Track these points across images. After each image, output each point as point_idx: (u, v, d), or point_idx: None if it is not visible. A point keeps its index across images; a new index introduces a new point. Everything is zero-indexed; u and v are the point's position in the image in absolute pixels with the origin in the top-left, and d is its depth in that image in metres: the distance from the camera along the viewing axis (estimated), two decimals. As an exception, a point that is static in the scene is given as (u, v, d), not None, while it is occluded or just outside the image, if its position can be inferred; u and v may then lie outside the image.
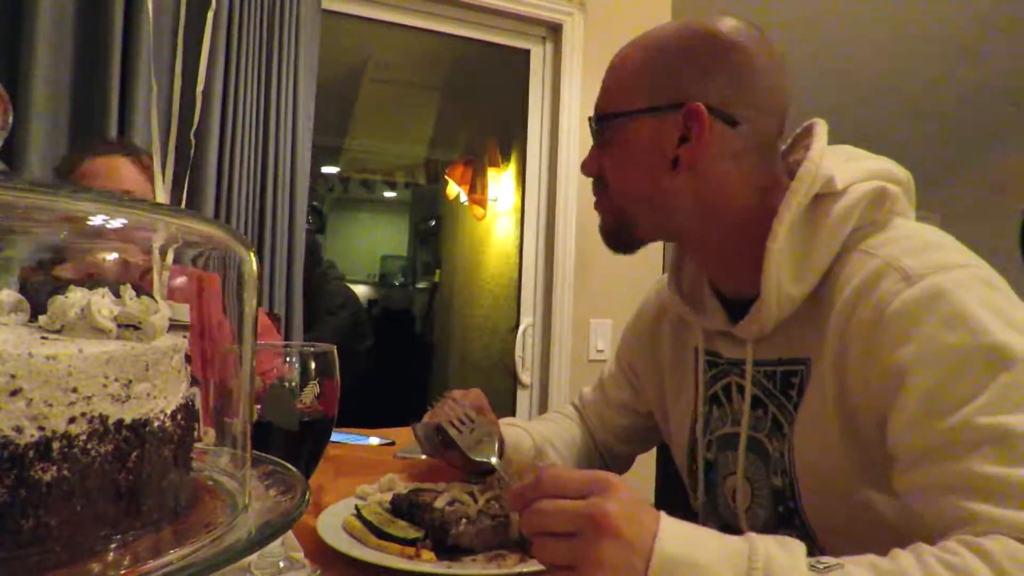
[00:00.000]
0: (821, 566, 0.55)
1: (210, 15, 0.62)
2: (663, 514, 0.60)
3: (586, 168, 0.87)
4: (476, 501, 0.73)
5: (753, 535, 0.58)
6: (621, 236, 0.86)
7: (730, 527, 0.87)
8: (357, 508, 0.75)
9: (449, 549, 0.68)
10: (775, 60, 0.80)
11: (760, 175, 0.79)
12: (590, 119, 0.85)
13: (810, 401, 0.75)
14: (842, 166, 0.77)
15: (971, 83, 3.49)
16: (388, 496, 0.82)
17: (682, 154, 0.78)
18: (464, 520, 0.68)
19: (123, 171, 1.36)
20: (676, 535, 0.58)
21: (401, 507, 0.75)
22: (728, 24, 0.78)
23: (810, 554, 0.58)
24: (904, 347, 0.65)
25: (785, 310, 0.76)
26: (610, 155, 0.83)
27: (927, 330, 0.64)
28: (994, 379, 0.60)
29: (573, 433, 1.13)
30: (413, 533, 0.69)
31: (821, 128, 0.81)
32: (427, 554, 0.67)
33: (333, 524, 0.73)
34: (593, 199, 0.88)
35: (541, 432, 1.08)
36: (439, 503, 0.71)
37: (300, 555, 0.63)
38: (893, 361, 0.65)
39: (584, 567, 0.57)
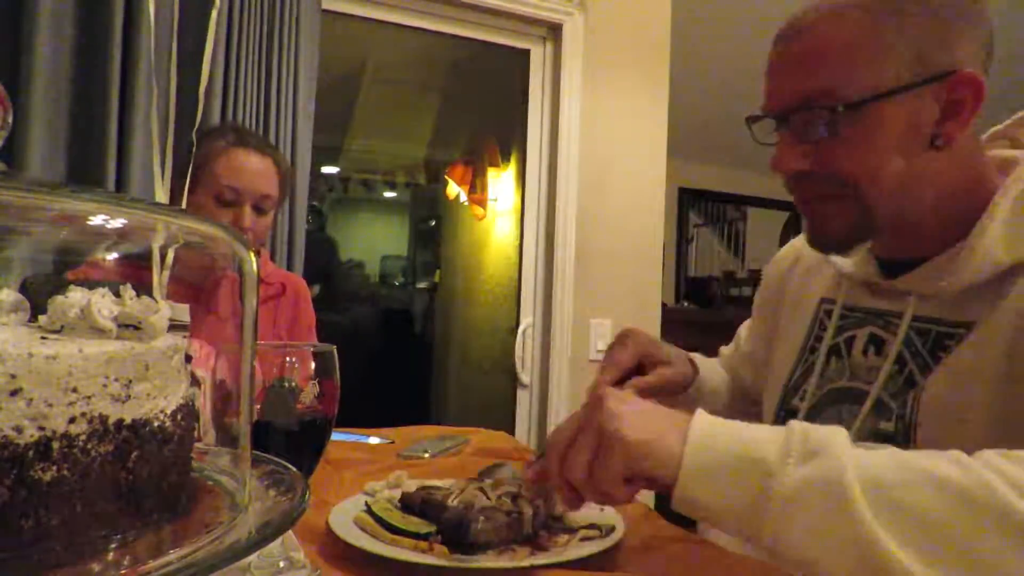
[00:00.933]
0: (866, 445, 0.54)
1: (214, 14, 0.62)
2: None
3: (792, 165, 0.72)
4: (488, 497, 0.74)
5: (793, 421, 0.56)
6: (861, 235, 0.74)
7: None
8: (367, 504, 0.76)
9: (462, 545, 0.68)
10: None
11: (974, 144, 0.71)
12: (809, 104, 0.69)
13: (959, 358, 0.68)
14: None
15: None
16: (397, 493, 0.82)
17: (945, 131, 0.67)
18: (481, 517, 0.69)
19: (270, 175, 1.36)
20: (707, 419, 0.58)
21: (413, 505, 0.75)
22: None
23: None
24: None
25: (985, 273, 0.67)
26: (853, 148, 0.68)
27: None
28: None
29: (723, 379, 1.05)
30: (425, 528, 0.70)
31: None
32: (440, 548, 0.67)
33: (345, 520, 0.73)
34: (799, 197, 0.75)
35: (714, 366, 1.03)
36: (453, 500, 0.72)
37: (300, 555, 0.63)
38: None
39: (606, 432, 0.57)
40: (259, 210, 1.35)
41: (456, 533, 0.68)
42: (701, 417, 0.57)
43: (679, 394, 0.91)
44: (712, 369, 1.00)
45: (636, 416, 0.58)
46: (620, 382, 0.83)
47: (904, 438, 0.70)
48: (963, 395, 0.67)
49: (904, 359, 0.73)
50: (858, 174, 0.69)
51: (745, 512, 0.53)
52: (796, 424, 0.55)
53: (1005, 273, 0.67)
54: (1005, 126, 0.80)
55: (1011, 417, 0.64)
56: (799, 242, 0.96)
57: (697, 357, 0.97)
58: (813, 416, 0.81)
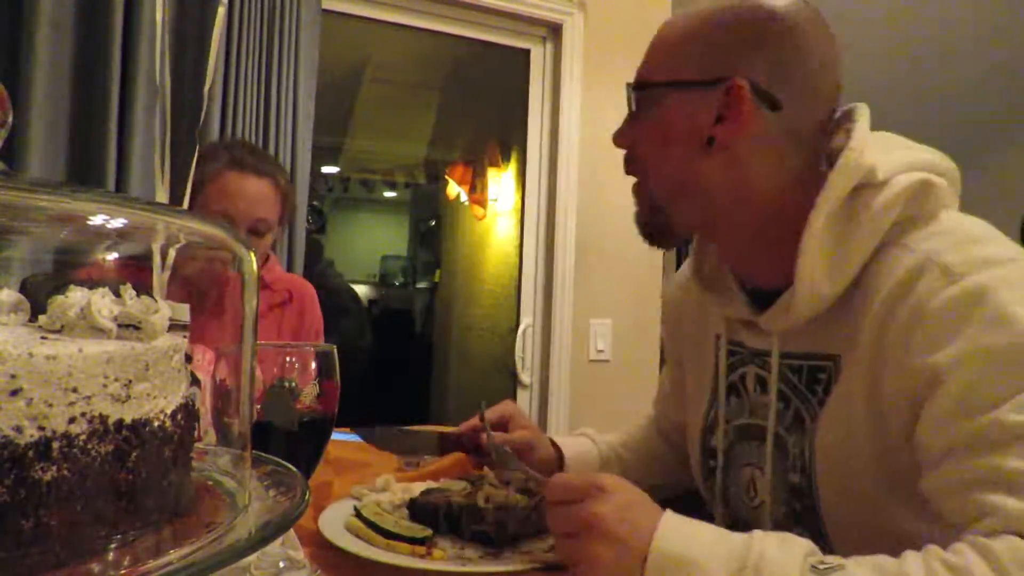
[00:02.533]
0: (822, 566, 0.55)
1: (221, 11, 0.62)
2: (668, 512, 0.61)
3: (619, 139, 0.83)
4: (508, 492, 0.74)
5: (758, 533, 0.59)
6: (657, 226, 0.82)
7: (742, 521, 0.85)
8: (356, 509, 0.75)
9: (497, 542, 0.69)
10: (831, 44, 0.76)
11: (798, 164, 0.75)
12: (628, 85, 0.80)
13: (837, 400, 0.73)
14: (884, 156, 0.72)
15: (972, 84, 3.49)
16: (384, 496, 0.82)
17: (718, 133, 0.73)
18: (518, 515, 0.70)
19: (266, 197, 1.33)
20: (675, 531, 0.59)
21: (427, 510, 0.74)
22: (784, 1, 0.74)
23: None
24: (942, 349, 0.62)
25: (817, 308, 0.72)
26: (644, 127, 0.79)
27: (968, 332, 0.61)
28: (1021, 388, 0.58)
29: (645, 438, 1.10)
30: (421, 532, 0.69)
31: (863, 112, 0.76)
32: (439, 552, 0.67)
33: (335, 526, 0.72)
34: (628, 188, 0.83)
35: (608, 442, 1.08)
36: (482, 502, 0.71)
37: (300, 555, 0.63)
38: (930, 363, 0.62)
39: (582, 567, 0.61)
40: (255, 232, 1.32)
41: (499, 533, 0.69)
42: (659, 539, 0.59)
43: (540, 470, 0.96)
44: (586, 451, 1.05)
45: (612, 527, 0.60)
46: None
47: (809, 491, 0.75)
48: (848, 441, 0.71)
49: (787, 396, 0.78)
50: (646, 156, 0.79)
51: None
52: (754, 542, 0.57)
53: (843, 297, 0.71)
54: (840, 115, 0.80)
55: (886, 458, 0.68)
56: (674, 285, 1.04)
57: (585, 434, 1.07)
58: (729, 454, 0.87)
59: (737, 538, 0.59)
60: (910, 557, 0.56)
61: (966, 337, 0.61)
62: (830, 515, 0.74)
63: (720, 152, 0.74)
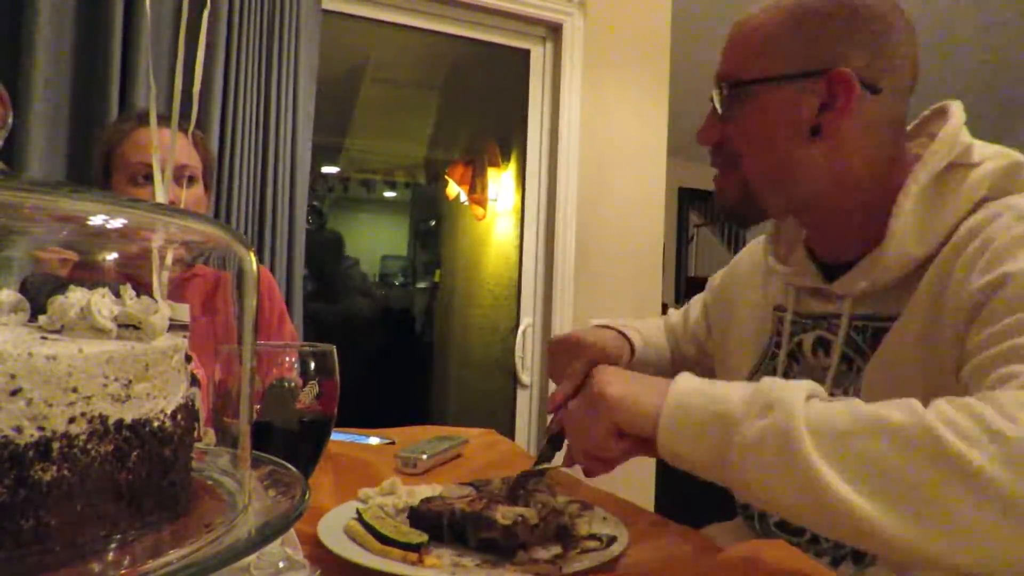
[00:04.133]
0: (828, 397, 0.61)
1: (205, 14, 0.62)
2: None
3: (706, 137, 0.83)
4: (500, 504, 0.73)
5: (769, 378, 0.63)
6: (749, 211, 0.84)
7: None
8: (359, 512, 0.75)
9: (506, 550, 0.68)
10: (911, 29, 0.78)
11: (891, 147, 0.78)
12: (720, 85, 0.80)
13: (888, 344, 0.75)
14: (979, 143, 0.76)
15: (972, 84, 3.49)
16: (389, 500, 0.81)
17: (824, 122, 0.76)
18: (527, 528, 0.69)
19: (183, 144, 1.30)
20: (692, 378, 0.66)
21: (429, 518, 0.73)
22: None
23: None
24: (1000, 267, 0.65)
25: (903, 269, 0.75)
26: (742, 125, 0.79)
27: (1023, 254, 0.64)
28: None
29: (663, 342, 1.14)
30: (416, 538, 0.69)
31: (956, 108, 0.79)
32: (430, 559, 0.66)
33: (335, 528, 0.72)
34: (714, 172, 0.85)
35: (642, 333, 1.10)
36: (500, 518, 0.70)
37: (300, 555, 0.63)
38: (986, 280, 0.65)
39: (594, 395, 0.68)
40: (180, 181, 1.30)
41: (506, 540, 0.68)
42: (683, 378, 0.66)
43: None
44: (648, 342, 1.08)
45: (620, 379, 0.68)
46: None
47: None
48: (895, 379, 0.74)
49: (849, 357, 0.81)
50: (743, 149, 0.80)
51: (714, 462, 0.60)
52: (766, 380, 0.62)
53: (920, 265, 0.75)
54: (913, 126, 0.85)
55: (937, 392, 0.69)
56: (748, 254, 1.06)
57: (635, 330, 1.06)
58: None
59: (742, 384, 0.64)
60: (891, 404, 0.58)
61: (1020, 258, 0.64)
62: None
63: (823, 140, 0.77)
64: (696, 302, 1.15)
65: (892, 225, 0.74)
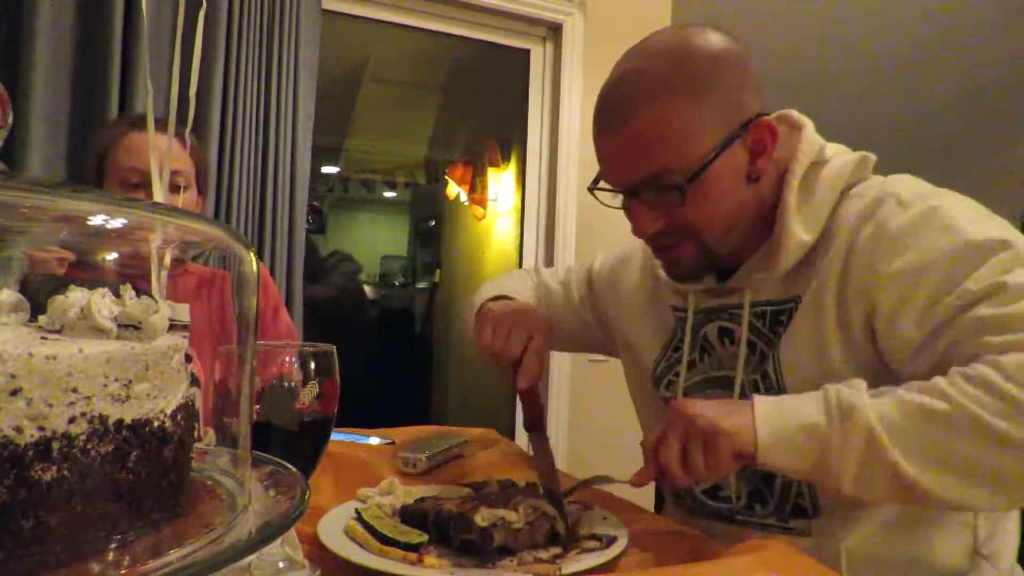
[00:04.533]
0: (875, 393, 0.70)
1: (201, 14, 0.61)
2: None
3: (650, 228, 0.85)
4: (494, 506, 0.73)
5: (827, 385, 0.72)
6: (707, 268, 0.90)
7: None
8: (358, 512, 0.75)
9: (483, 552, 0.68)
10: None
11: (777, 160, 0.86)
12: (654, 179, 0.81)
13: (801, 320, 0.83)
14: (827, 145, 0.87)
15: (971, 84, 3.49)
16: (388, 500, 0.81)
17: (757, 168, 0.83)
18: (505, 528, 0.69)
19: (175, 149, 1.31)
20: (768, 400, 0.74)
21: (420, 517, 0.74)
22: (715, 36, 0.82)
23: (773, 480, 0.84)
24: (903, 256, 0.75)
25: (797, 256, 0.83)
26: (696, 204, 0.81)
27: (925, 240, 0.74)
28: (987, 260, 0.70)
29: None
30: (417, 538, 0.69)
31: (801, 115, 0.89)
32: (430, 560, 0.66)
33: (335, 528, 0.72)
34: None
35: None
36: (479, 519, 0.70)
37: (300, 555, 0.63)
38: (894, 269, 0.75)
39: (685, 422, 0.74)
40: (173, 188, 1.31)
41: (483, 542, 0.68)
42: (759, 401, 0.73)
43: None
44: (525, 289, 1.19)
45: (710, 408, 0.74)
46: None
47: None
48: (814, 355, 0.82)
49: (753, 343, 0.88)
50: (698, 225, 0.83)
51: (813, 469, 0.70)
52: (830, 389, 0.71)
53: (811, 250, 0.83)
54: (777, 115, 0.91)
55: (858, 363, 0.79)
56: (636, 247, 1.12)
57: (527, 299, 1.15)
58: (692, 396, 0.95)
59: (815, 394, 0.72)
60: (936, 377, 0.69)
61: (925, 245, 0.74)
62: None
63: (757, 182, 0.84)
64: (576, 285, 1.20)
65: (783, 219, 0.83)
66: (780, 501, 0.86)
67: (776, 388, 0.84)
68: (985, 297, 0.69)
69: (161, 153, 1.24)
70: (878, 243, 0.77)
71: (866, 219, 0.79)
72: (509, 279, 1.23)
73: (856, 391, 0.70)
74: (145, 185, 1.28)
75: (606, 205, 0.92)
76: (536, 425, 0.93)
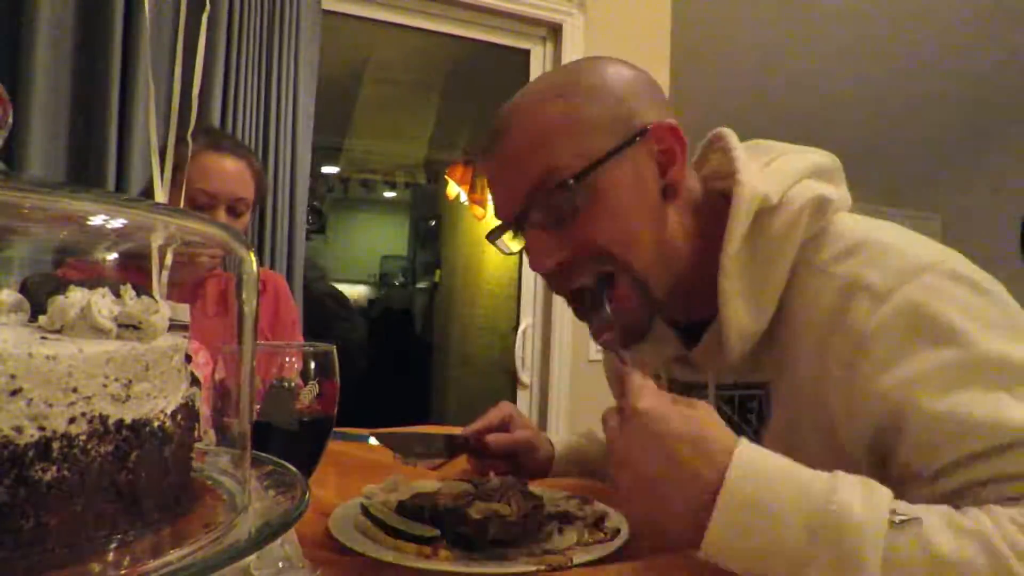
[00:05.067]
0: (899, 519, 0.53)
1: (204, 16, 0.61)
2: (743, 442, 0.57)
3: (551, 257, 0.71)
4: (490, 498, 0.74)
5: (840, 474, 0.56)
6: (650, 311, 0.75)
7: None
8: (364, 507, 0.75)
9: (477, 546, 0.69)
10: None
11: (699, 191, 0.76)
12: (538, 191, 0.70)
13: (777, 424, 0.73)
14: (768, 175, 0.72)
15: (970, 84, 3.49)
16: (393, 496, 0.82)
17: (669, 179, 0.72)
18: (497, 520, 0.70)
19: (244, 177, 1.35)
20: (750, 467, 0.55)
21: (416, 511, 0.74)
22: (604, 60, 0.75)
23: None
24: (894, 370, 0.61)
25: (747, 345, 0.71)
26: (598, 215, 0.70)
27: (915, 351, 0.61)
28: (994, 391, 0.58)
29: None
30: (429, 532, 0.69)
31: (734, 139, 0.76)
32: (444, 552, 0.67)
33: (345, 524, 0.73)
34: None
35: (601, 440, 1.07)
36: (474, 512, 0.71)
37: (300, 555, 0.63)
38: (884, 386, 0.62)
39: (640, 496, 0.60)
40: (233, 212, 1.34)
41: (477, 535, 0.68)
42: (731, 474, 0.55)
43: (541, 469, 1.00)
44: (579, 447, 1.05)
45: (669, 460, 0.57)
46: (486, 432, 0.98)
47: None
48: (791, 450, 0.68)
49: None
50: (612, 242, 0.70)
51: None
52: (830, 519, 0.53)
53: (767, 330, 0.70)
54: (697, 158, 0.82)
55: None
56: None
57: (560, 442, 1.05)
58: None
59: (817, 486, 0.54)
60: (973, 510, 0.55)
61: (916, 357, 0.61)
62: None
63: (674, 197, 0.73)
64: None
65: (722, 311, 0.70)
66: None
67: None
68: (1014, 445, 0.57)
69: (228, 177, 1.25)
70: (859, 351, 0.64)
71: (837, 320, 0.65)
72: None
73: (873, 509, 0.52)
74: (211, 208, 1.31)
75: (506, 253, 0.79)
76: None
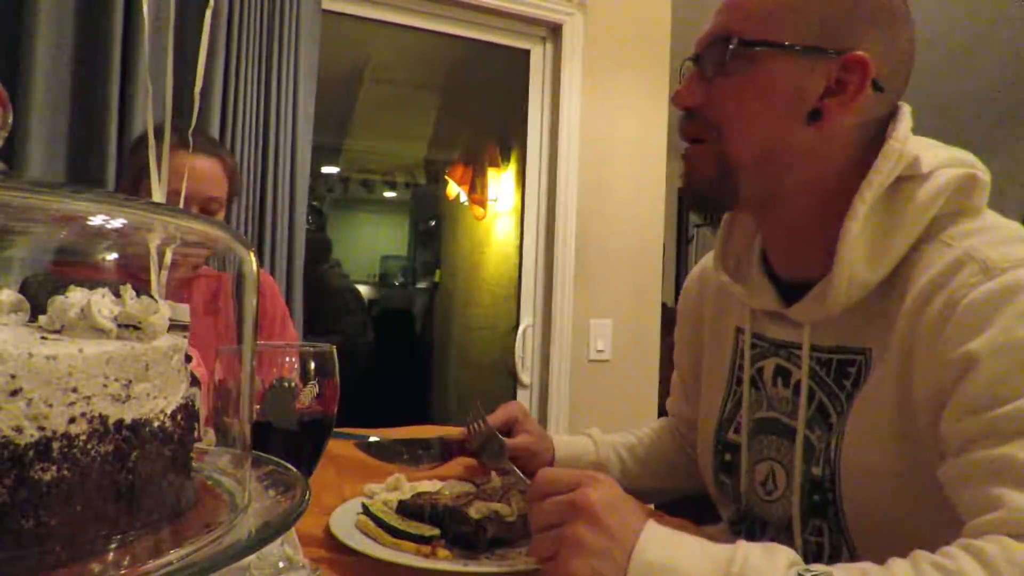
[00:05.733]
0: (808, 573, 0.54)
1: (208, 13, 0.61)
2: (650, 521, 0.60)
3: (688, 98, 0.75)
4: (490, 498, 0.74)
5: (742, 543, 0.58)
6: (722, 193, 0.75)
7: (755, 516, 0.85)
8: (365, 506, 0.75)
9: (474, 547, 0.69)
10: (913, 37, 0.73)
11: (864, 151, 0.72)
12: (715, 41, 0.72)
13: (868, 394, 0.71)
14: (926, 151, 0.71)
15: (968, 84, 3.49)
16: (394, 495, 0.82)
17: (825, 107, 0.70)
18: (495, 520, 0.69)
19: (216, 176, 1.35)
20: (659, 539, 0.58)
21: (416, 511, 0.74)
22: None
23: (820, 558, 0.61)
24: (975, 338, 0.61)
25: (854, 296, 0.70)
26: (736, 90, 0.71)
27: (1001, 322, 0.60)
28: None
29: (656, 442, 1.08)
30: (429, 531, 0.70)
31: (906, 111, 0.74)
32: (443, 552, 0.67)
33: (346, 523, 0.73)
34: (685, 146, 0.76)
35: (610, 442, 1.06)
36: (473, 512, 0.71)
37: (300, 555, 0.63)
38: (961, 352, 0.61)
39: (565, 550, 0.58)
40: (207, 212, 1.34)
41: (476, 535, 0.68)
42: (643, 547, 0.57)
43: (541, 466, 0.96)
44: (581, 451, 1.05)
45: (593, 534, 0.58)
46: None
47: (831, 484, 0.73)
48: (876, 435, 0.69)
49: (812, 390, 0.76)
50: (729, 119, 0.72)
51: None
52: (738, 562, 0.55)
53: (878, 290, 0.70)
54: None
55: (912, 453, 0.67)
56: (695, 277, 1.00)
57: (563, 445, 1.03)
58: (749, 447, 0.84)
59: (721, 548, 0.58)
60: (898, 562, 0.56)
61: (997, 328, 0.60)
62: (851, 508, 0.73)
63: (819, 126, 0.71)
64: (674, 375, 1.08)
65: (840, 250, 0.69)
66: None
67: (831, 464, 0.73)
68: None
69: (199, 177, 1.25)
70: (948, 317, 0.63)
71: (941, 285, 0.65)
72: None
73: (772, 562, 0.55)
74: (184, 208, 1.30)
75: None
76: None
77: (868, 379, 0.71)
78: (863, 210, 0.69)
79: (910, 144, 0.70)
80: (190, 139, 1.37)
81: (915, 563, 0.55)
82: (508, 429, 1.01)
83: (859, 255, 0.69)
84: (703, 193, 0.77)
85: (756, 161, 0.72)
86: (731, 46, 0.70)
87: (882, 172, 0.69)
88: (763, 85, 0.71)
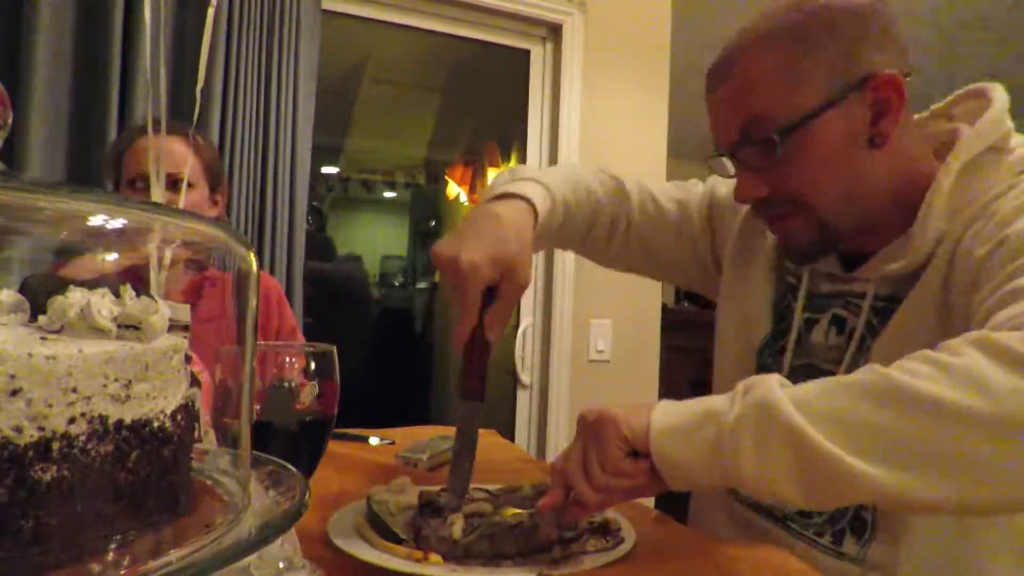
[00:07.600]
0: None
1: (210, 12, 0.61)
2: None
3: (753, 194, 0.77)
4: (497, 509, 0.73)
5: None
6: (826, 245, 0.79)
7: None
8: (370, 507, 0.75)
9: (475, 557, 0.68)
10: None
11: (916, 131, 0.77)
12: (745, 132, 0.75)
13: (903, 316, 0.73)
14: (1018, 135, 0.75)
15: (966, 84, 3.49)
16: (399, 498, 0.81)
17: (879, 130, 0.73)
18: (497, 531, 0.69)
19: (178, 152, 1.32)
20: (670, 404, 0.67)
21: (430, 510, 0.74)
22: None
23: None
24: (1000, 232, 0.65)
25: (934, 245, 0.73)
26: (800, 166, 0.74)
27: None
28: None
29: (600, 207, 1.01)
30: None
31: (1000, 92, 0.76)
32: (434, 557, 0.66)
33: (344, 526, 0.72)
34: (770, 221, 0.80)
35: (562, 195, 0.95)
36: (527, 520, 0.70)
37: (300, 555, 0.63)
38: (988, 248, 0.65)
39: (591, 440, 0.67)
40: (174, 188, 1.27)
41: (476, 541, 0.68)
42: (663, 402, 0.67)
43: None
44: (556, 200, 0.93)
45: (606, 406, 0.67)
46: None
47: None
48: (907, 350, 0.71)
49: (864, 338, 0.79)
50: (804, 191, 0.75)
51: (707, 455, 0.61)
52: (738, 389, 0.63)
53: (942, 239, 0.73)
54: (945, 103, 0.84)
55: None
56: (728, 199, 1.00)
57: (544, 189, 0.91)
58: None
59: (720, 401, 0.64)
60: (859, 370, 0.60)
61: None
62: None
63: (884, 146, 0.73)
64: (697, 209, 1.02)
65: (928, 200, 0.72)
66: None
67: None
68: None
69: (158, 154, 1.23)
70: (984, 229, 0.67)
71: (987, 208, 0.69)
72: (553, 173, 0.96)
73: (770, 376, 0.61)
74: (146, 188, 1.29)
75: (725, 176, 0.84)
76: (478, 392, 0.81)
77: (901, 306, 0.74)
78: (956, 167, 0.72)
79: (1007, 121, 0.74)
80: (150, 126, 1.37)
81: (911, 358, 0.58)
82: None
83: (943, 207, 0.72)
84: (813, 252, 0.81)
85: (846, 207, 0.75)
86: (773, 137, 0.72)
87: (980, 136, 0.72)
88: (818, 150, 0.73)
